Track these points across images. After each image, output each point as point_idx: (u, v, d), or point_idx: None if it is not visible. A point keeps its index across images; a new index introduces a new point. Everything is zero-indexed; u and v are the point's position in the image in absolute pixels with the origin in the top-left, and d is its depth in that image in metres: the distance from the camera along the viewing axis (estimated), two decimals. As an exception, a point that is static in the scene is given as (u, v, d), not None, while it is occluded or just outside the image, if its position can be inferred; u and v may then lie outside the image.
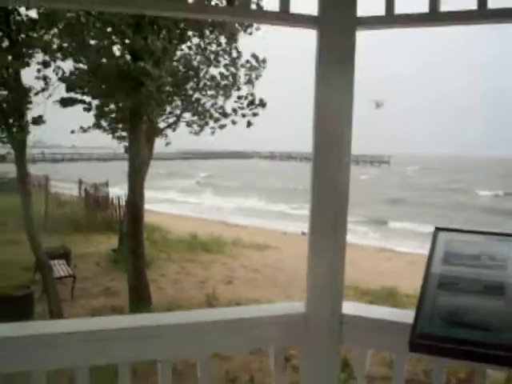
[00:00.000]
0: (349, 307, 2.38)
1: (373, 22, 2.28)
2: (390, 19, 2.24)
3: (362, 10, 2.28)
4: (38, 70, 10.18)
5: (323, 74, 2.24)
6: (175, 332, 2.23)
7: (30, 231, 10.19)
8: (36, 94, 9.97)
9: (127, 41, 10.27)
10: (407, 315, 2.11)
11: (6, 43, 9.35)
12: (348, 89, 2.25)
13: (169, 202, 34.20)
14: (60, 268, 13.17)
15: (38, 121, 9.70)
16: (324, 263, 2.33)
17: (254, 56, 12.91)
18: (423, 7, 2.17)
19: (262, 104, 13.15)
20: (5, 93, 9.32)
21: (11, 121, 9.33)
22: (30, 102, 9.56)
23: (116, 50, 10.84)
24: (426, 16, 2.16)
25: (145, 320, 2.42)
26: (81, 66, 10.71)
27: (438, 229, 2.24)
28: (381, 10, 2.25)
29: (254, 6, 7.34)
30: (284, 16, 2.26)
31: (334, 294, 2.34)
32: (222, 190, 46.85)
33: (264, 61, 13.08)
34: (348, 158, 2.29)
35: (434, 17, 2.16)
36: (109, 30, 10.34)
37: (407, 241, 23.49)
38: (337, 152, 2.26)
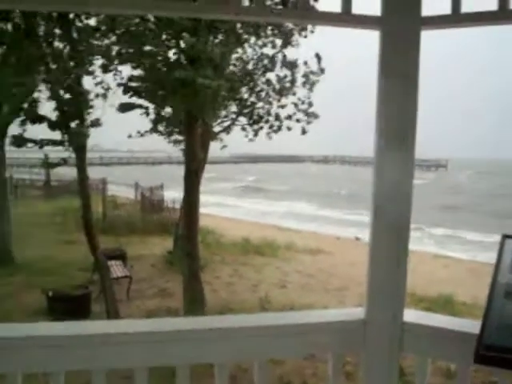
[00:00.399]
0: (410, 315, 2.32)
1: (438, 22, 2.22)
2: (457, 18, 2.17)
3: (426, 10, 2.23)
4: (97, 77, 10.43)
5: (387, 75, 2.20)
6: (233, 335, 2.22)
7: (88, 232, 10.42)
8: (96, 96, 10.22)
9: (183, 45, 10.40)
10: (470, 325, 2.05)
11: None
12: (412, 91, 2.20)
13: (221, 206, 34.37)
14: (117, 269, 13.43)
15: (95, 123, 9.92)
16: (385, 269, 2.27)
17: (317, 56, 12.82)
18: (491, 5, 2.10)
19: (315, 116, 13.15)
20: (67, 97, 9.55)
21: (72, 125, 9.57)
22: (91, 107, 9.78)
23: (172, 54, 11.00)
24: (495, 14, 2.09)
25: (202, 323, 2.42)
26: (139, 71, 10.89)
27: (505, 236, 2.14)
28: (446, 9, 2.19)
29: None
30: (346, 17, 2.23)
31: (395, 301, 2.28)
32: (273, 193, 46.79)
33: (322, 70, 13.01)
34: (412, 161, 2.24)
35: (504, 15, 2.08)
36: (165, 36, 10.50)
37: (463, 247, 22.99)
38: (400, 155, 2.21)
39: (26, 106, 10.69)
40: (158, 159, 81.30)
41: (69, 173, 22.28)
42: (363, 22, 2.26)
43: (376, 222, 2.26)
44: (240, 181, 59.69)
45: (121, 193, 27.24)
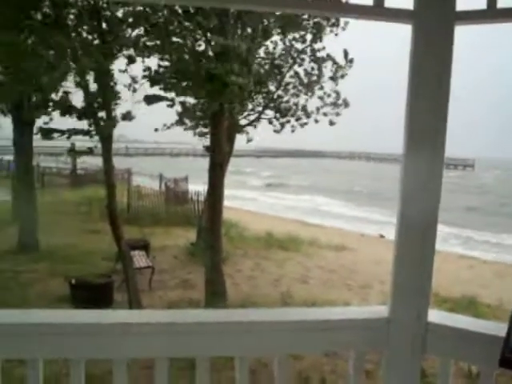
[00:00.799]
0: (434, 315, 2.29)
1: (473, 17, 2.17)
2: (492, 13, 2.11)
3: (460, 4, 2.18)
4: (125, 69, 10.48)
5: (419, 71, 2.16)
6: (254, 329, 2.21)
7: (113, 222, 10.50)
8: (124, 86, 10.29)
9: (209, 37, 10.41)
10: (496, 327, 2.01)
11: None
12: (445, 87, 2.15)
13: (245, 200, 34.43)
14: (140, 259, 13.52)
15: (126, 117, 9.98)
16: (411, 268, 2.24)
17: (344, 53, 12.75)
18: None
19: (346, 104, 13.04)
20: (95, 87, 9.61)
21: (100, 115, 9.63)
22: (119, 98, 9.83)
23: (199, 47, 11.02)
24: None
25: (224, 315, 2.41)
26: (166, 63, 10.91)
27: None
28: (482, 4, 2.14)
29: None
30: (378, 10, 2.19)
31: (420, 300, 2.25)
32: (296, 188, 46.67)
33: (351, 60, 12.91)
34: (441, 160, 2.19)
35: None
36: (192, 27, 10.51)
37: (488, 248, 22.74)
38: (430, 153, 2.17)
39: (53, 96, 10.78)
40: (183, 151, 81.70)
41: (95, 162, 22.52)
42: (395, 15, 2.22)
43: (402, 220, 2.22)
44: (269, 175, 59.70)
45: (145, 183, 27.38)
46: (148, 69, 10.72)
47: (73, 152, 10.55)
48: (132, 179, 26.76)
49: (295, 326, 2.25)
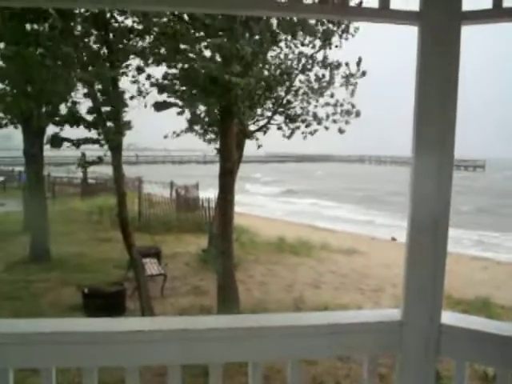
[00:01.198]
0: (447, 317, 2.27)
1: (479, 17, 2.15)
2: (499, 13, 2.10)
3: (466, 4, 2.17)
4: (133, 77, 10.54)
5: (425, 72, 2.15)
6: (267, 334, 2.20)
7: (124, 230, 10.52)
8: (131, 98, 10.35)
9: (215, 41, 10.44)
10: (511, 328, 1.99)
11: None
12: (452, 88, 2.14)
13: (255, 205, 34.43)
14: (151, 266, 13.55)
15: (127, 126, 10.02)
16: (423, 270, 2.23)
17: (358, 60, 12.75)
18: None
19: (357, 114, 13.07)
20: (104, 97, 9.66)
21: (109, 124, 9.67)
22: (126, 105, 9.87)
23: (207, 53, 11.06)
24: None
25: (236, 321, 2.41)
26: (173, 70, 10.95)
27: None
28: (488, 3, 2.13)
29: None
30: (384, 13, 2.18)
31: (432, 303, 2.23)
32: (304, 193, 46.53)
33: (364, 73, 12.91)
34: (451, 161, 2.18)
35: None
36: (201, 34, 10.55)
37: (501, 249, 22.58)
38: (438, 155, 2.16)
39: (63, 106, 10.86)
40: (192, 158, 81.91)
41: (105, 171, 22.62)
42: (401, 17, 2.21)
43: (413, 222, 2.21)
44: (279, 180, 59.59)
45: (156, 191, 27.46)
46: (156, 78, 10.77)
47: (83, 162, 10.58)
48: (143, 187, 26.81)
49: (308, 331, 2.24)
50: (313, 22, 11.78)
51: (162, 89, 10.51)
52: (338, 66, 12.91)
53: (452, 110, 2.13)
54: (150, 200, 24.14)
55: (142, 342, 2.09)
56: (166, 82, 10.70)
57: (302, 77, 13.11)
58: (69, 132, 10.80)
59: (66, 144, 9.94)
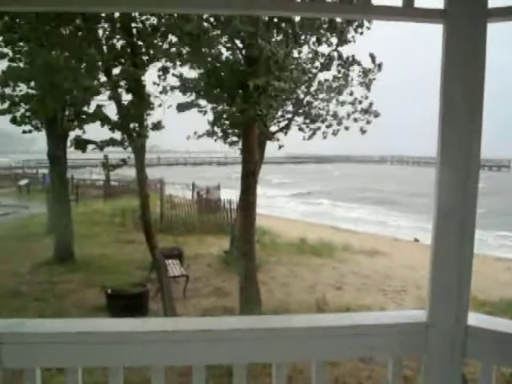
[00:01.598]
0: (473, 318, 2.24)
1: (505, 14, 2.12)
2: (525, 10, 2.08)
3: (492, 1, 2.15)
4: (159, 77, 10.60)
5: (451, 71, 2.13)
6: (291, 335, 2.20)
7: (147, 232, 10.59)
8: (156, 97, 10.42)
9: (240, 45, 10.48)
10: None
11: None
12: (479, 87, 2.12)
13: (275, 207, 34.37)
14: (174, 268, 13.61)
15: (157, 126, 10.09)
16: (449, 271, 2.20)
17: (371, 56, 12.68)
18: None
19: (376, 114, 13.00)
20: (128, 99, 9.74)
21: (132, 126, 9.74)
22: (152, 108, 9.94)
23: (230, 54, 11.08)
24: None
25: (260, 322, 2.41)
26: (198, 71, 11.00)
27: None
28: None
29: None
30: (408, 11, 2.16)
31: (459, 304, 2.20)
32: (323, 194, 46.28)
33: (380, 65, 12.84)
34: (477, 161, 2.16)
35: None
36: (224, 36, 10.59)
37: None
38: (465, 155, 2.14)
39: (86, 108, 10.97)
40: (214, 160, 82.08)
41: (128, 173, 22.79)
42: (426, 15, 2.19)
43: (439, 223, 2.19)
44: (299, 182, 59.42)
45: (178, 193, 27.58)
46: (180, 77, 10.82)
47: (106, 164, 10.67)
48: (165, 189, 26.95)
49: (332, 332, 2.23)
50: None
51: (185, 90, 10.55)
52: (355, 62, 12.83)
53: (478, 109, 2.11)
54: (171, 202, 24.24)
55: (166, 341, 2.10)
56: (190, 83, 10.74)
57: (320, 76, 13.07)
58: (92, 134, 10.91)
59: (90, 146, 10.03)
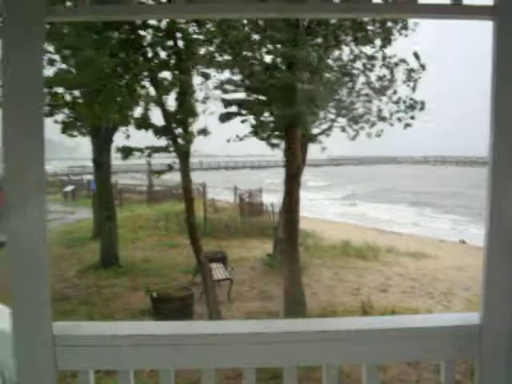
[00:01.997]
0: None
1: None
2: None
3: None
4: (201, 83, 10.71)
5: (503, 68, 2.07)
6: (341, 338, 2.18)
7: (192, 235, 10.67)
8: (201, 102, 10.53)
9: (280, 49, 10.49)
10: None
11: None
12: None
13: (316, 209, 34.22)
14: (218, 271, 13.67)
15: (203, 132, 10.20)
16: (504, 273, 2.15)
17: (415, 55, 12.53)
18: None
19: (422, 106, 12.79)
20: (174, 105, 9.86)
21: (177, 131, 9.84)
22: (197, 114, 10.04)
23: (269, 59, 11.11)
24: None
25: (307, 325, 2.39)
26: (238, 77, 11.08)
27: None
28: None
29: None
30: (457, 9, 2.12)
31: None
32: (369, 197, 45.78)
33: (423, 66, 12.68)
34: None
35: None
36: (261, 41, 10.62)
37: None
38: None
39: (132, 113, 11.14)
40: (255, 163, 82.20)
41: (170, 178, 23.03)
42: (475, 12, 2.14)
43: (492, 224, 2.14)
44: (342, 184, 59.06)
45: (220, 197, 27.74)
46: (221, 83, 10.91)
47: (152, 171, 10.85)
48: (207, 193, 27.13)
49: (382, 335, 2.20)
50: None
51: (228, 103, 10.65)
52: (399, 63, 12.70)
53: None
54: (214, 205, 24.38)
55: (218, 344, 2.10)
56: (229, 87, 10.81)
57: (363, 77, 12.98)
58: (135, 140, 11.06)
59: (136, 153, 10.19)
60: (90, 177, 30.28)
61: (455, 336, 2.23)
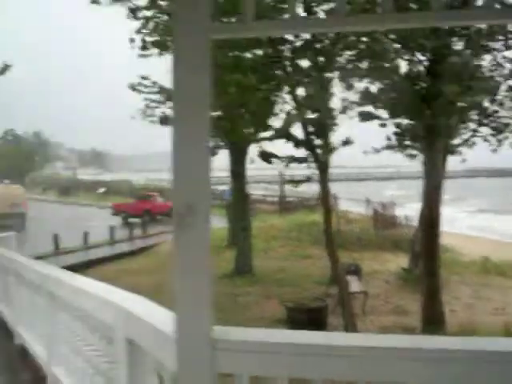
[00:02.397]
0: None
1: None
2: None
3: None
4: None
5: None
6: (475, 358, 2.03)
7: (330, 247, 10.64)
8: (341, 112, 10.48)
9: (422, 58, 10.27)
10: None
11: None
12: None
13: (451, 223, 32.81)
14: (352, 283, 13.50)
15: (347, 142, 10.18)
16: None
17: None
18: None
19: None
20: (314, 116, 9.91)
21: (316, 142, 9.87)
22: (335, 124, 10.03)
23: (406, 67, 10.88)
24: None
25: (434, 342, 2.26)
26: (377, 85, 10.94)
27: None
28: None
29: None
30: None
31: None
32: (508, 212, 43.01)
33: None
34: None
35: None
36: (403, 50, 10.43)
37: None
38: None
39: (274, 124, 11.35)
40: (386, 175, 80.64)
41: (301, 189, 23.17)
42: None
43: None
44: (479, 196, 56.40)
45: (352, 208, 27.48)
46: (361, 92, 10.83)
47: (292, 181, 10.97)
48: (339, 204, 27.02)
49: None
50: None
51: (368, 99, 10.53)
52: None
53: None
54: (346, 217, 24.21)
55: (366, 356, 2.06)
56: (372, 96, 10.72)
57: (507, 83, 12.26)
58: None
59: (260, 163, 10.33)
60: (223, 186, 31.15)
61: None
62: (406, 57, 10.62)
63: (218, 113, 12.70)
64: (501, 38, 11.26)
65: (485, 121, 12.73)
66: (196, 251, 2.06)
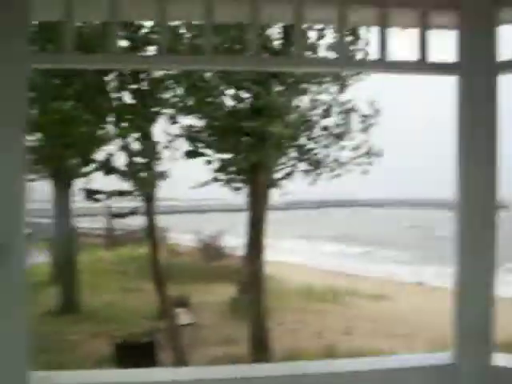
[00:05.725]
0: (500, 359, 2.28)
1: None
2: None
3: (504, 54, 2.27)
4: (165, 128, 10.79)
5: (466, 119, 2.23)
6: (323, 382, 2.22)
7: (157, 280, 10.58)
8: (165, 147, 10.54)
9: (246, 95, 10.72)
10: None
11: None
12: (493, 134, 2.22)
13: (280, 251, 34.13)
14: (181, 316, 13.50)
15: (161, 176, 10.21)
16: (474, 314, 2.25)
17: (370, 103, 12.86)
18: None
19: (378, 154, 13.08)
20: (137, 148, 9.88)
21: (141, 175, 9.85)
22: (159, 158, 10.07)
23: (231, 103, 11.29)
24: None
25: (260, 370, 2.43)
26: (202, 122, 11.20)
27: None
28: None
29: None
30: (423, 65, 2.29)
31: (485, 345, 2.25)
32: (331, 238, 45.80)
33: (378, 111, 13.01)
34: (496, 203, 2.24)
35: None
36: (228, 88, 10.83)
37: None
38: (484, 198, 2.22)
39: (95, 157, 11.10)
40: (215, 207, 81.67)
41: (130, 222, 22.79)
42: (440, 68, 2.31)
43: (463, 266, 2.25)
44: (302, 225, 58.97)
45: (182, 241, 27.49)
46: (186, 127, 11.02)
47: (116, 214, 10.80)
48: (168, 237, 26.89)
49: (361, 377, 2.26)
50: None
51: (191, 139, 10.73)
52: (353, 109, 12.97)
53: (493, 148, 2.21)
54: (176, 250, 24.16)
55: None
56: (195, 132, 10.93)
57: (322, 123, 13.18)
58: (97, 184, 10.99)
59: (100, 196, 10.13)
60: (47, 220, 29.64)
61: (430, 376, 2.31)
62: (231, 93, 11.02)
63: (42, 142, 12.29)
64: (316, 81, 12.17)
65: (303, 157, 13.51)
66: (8, 293, 1.98)
